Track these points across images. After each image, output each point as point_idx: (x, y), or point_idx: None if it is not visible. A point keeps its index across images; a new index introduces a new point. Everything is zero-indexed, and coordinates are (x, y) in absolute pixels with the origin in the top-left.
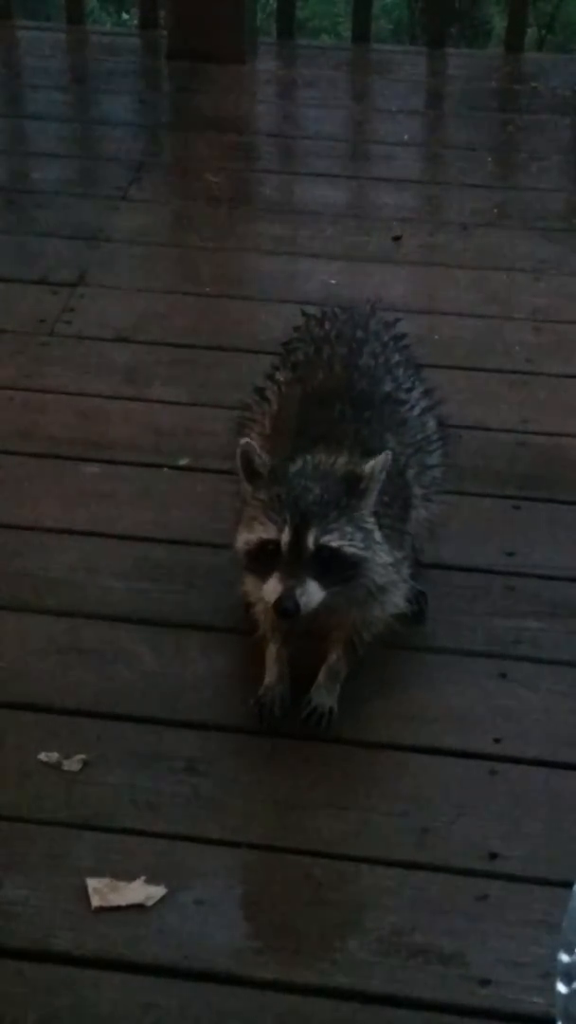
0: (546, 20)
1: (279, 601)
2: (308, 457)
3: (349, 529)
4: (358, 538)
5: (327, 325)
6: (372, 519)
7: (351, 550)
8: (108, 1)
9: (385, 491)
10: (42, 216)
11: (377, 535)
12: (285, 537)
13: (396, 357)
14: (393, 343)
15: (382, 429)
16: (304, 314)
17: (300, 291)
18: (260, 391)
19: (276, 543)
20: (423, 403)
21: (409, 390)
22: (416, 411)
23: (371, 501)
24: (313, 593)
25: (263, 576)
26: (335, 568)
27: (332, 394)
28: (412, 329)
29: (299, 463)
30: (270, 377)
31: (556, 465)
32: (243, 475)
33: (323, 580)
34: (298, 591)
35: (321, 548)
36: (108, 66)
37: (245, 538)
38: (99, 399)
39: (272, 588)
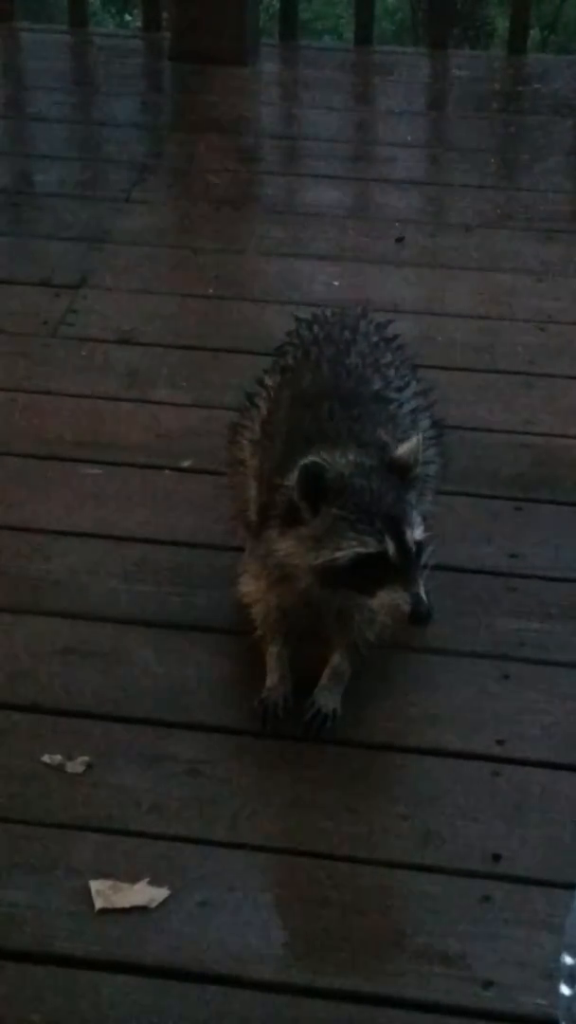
0: (548, 21)
1: (416, 610)
2: (338, 457)
3: (417, 518)
4: (421, 523)
5: (316, 329)
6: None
7: (424, 537)
8: (111, 3)
9: None
10: (45, 218)
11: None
12: (390, 547)
13: (387, 357)
14: (384, 344)
15: (373, 425)
16: (296, 319)
17: (303, 293)
18: (250, 397)
19: (380, 555)
20: (415, 403)
21: (400, 389)
22: (406, 409)
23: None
24: (427, 593)
25: (363, 591)
26: (421, 558)
27: (320, 394)
28: (415, 330)
29: (340, 466)
30: (260, 382)
31: (559, 466)
32: (300, 492)
33: (423, 573)
34: (421, 592)
35: (419, 545)
36: (111, 68)
37: (326, 556)
38: (101, 401)
39: (399, 599)
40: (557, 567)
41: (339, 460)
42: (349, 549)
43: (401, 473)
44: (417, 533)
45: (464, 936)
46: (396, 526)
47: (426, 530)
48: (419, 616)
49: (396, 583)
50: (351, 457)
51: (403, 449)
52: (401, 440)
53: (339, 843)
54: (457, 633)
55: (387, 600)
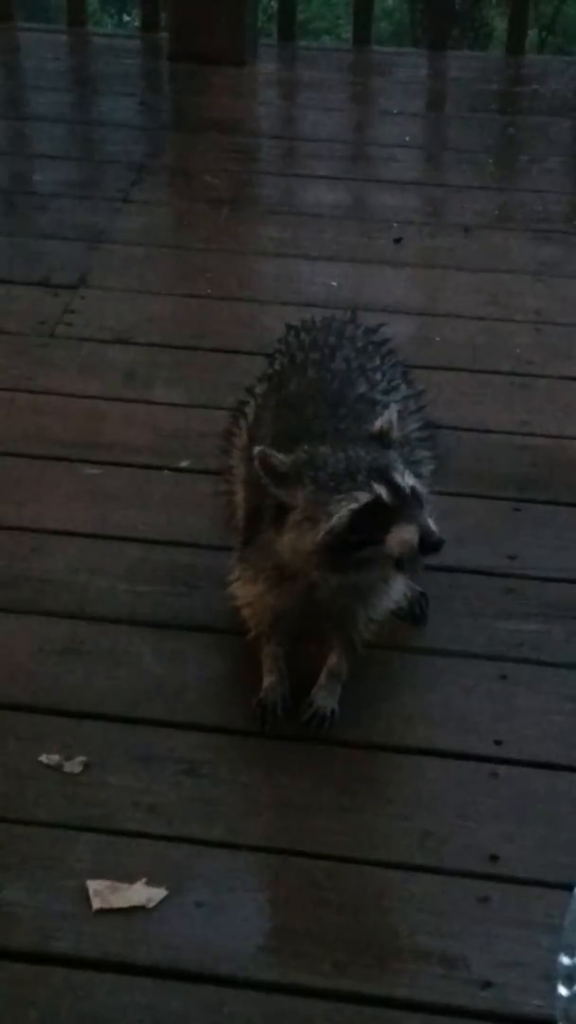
0: (547, 22)
1: (425, 540)
2: (321, 448)
3: (406, 468)
4: (412, 473)
5: (303, 335)
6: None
7: (420, 485)
8: (109, 3)
9: None
10: (43, 218)
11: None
12: (382, 492)
13: (375, 362)
14: (372, 348)
15: (358, 425)
16: (286, 326)
17: (301, 293)
18: (240, 405)
19: (375, 502)
20: (402, 405)
21: (387, 392)
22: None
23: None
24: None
25: (370, 544)
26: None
27: (305, 397)
28: (412, 331)
29: (320, 451)
30: (249, 390)
31: (557, 467)
32: (270, 482)
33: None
34: (429, 522)
35: (412, 488)
36: (109, 68)
37: (318, 531)
38: (100, 401)
39: (405, 535)
40: (555, 568)
41: (320, 449)
42: (343, 509)
43: (381, 440)
44: (408, 479)
45: (462, 937)
46: (382, 473)
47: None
48: (429, 545)
49: (400, 521)
50: (330, 447)
51: (376, 422)
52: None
53: (337, 843)
54: (455, 634)
55: (396, 539)
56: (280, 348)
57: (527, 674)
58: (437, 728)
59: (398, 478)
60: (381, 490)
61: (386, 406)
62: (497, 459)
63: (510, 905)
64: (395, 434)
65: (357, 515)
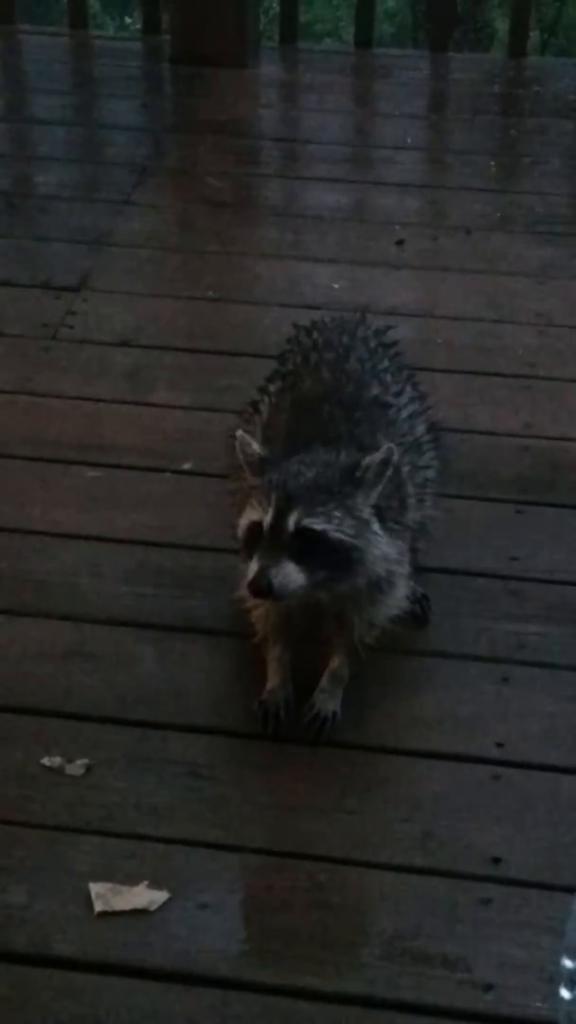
0: (549, 24)
1: (253, 580)
2: (313, 449)
3: (338, 514)
4: (347, 524)
5: (315, 334)
6: (371, 511)
7: (337, 535)
8: (111, 5)
9: (384, 487)
10: (45, 220)
11: (376, 526)
12: (267, 518)
13: (384, 363)
14: (382, 350)
15: (373, 429)
16: (296, 326)
17: (303, 295)
18: (254, 404)
19: (259, 525)
20: (412, 407)
21: (397, 394)
22: (404, 414)
23: (371, 493)
24: (290, 574)
25: (248, 558)
26: (320, 553)
27: (320, 398)
28: (414, 333)
29: (302, 454)
30: (262, 389)
31: (559, 469)
32: (244, 466)
33: (305, 564)
34: (272, 571)
35: (303, 530)
36: (111, 70)
37: (240, 524)
38: (101, 403)
39: (248, 569)
40: (557, 570)
41: (329, 453)
42: (247, 515)
43: (352, 473)
44: (314, 522)
45: (464, 939)
46: (286, 503)
47: (354, 537)
48: (255, 589)
49: (258, 554)
50: (326, 453)
51: (371, 456)
52: (400, 445)
53: (339, 845)
54: (457, 636)
55: (248, 569)
56: (292, 347)
57: (529, 676)
58: (438, 730)
59: (291, 518)
60: (267, 518)
61: (399, 410)
62: (499, 461)
63: (512, 907)
64: (374, 477)
65: (250, 529)
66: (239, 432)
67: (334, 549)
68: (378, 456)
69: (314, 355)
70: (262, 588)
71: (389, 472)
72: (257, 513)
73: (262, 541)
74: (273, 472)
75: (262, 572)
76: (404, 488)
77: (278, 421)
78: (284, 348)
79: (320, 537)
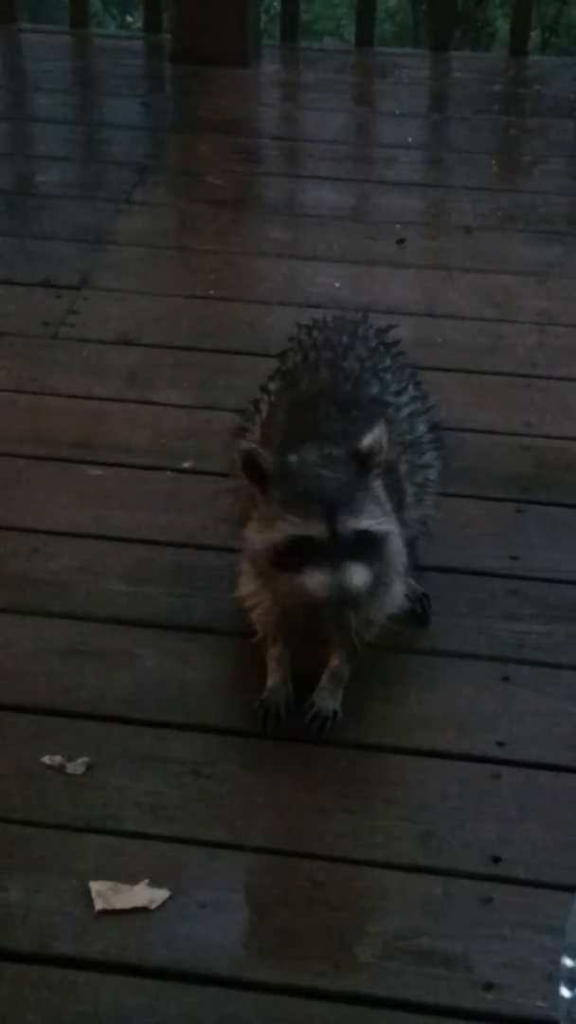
0: (550, 23)
1: (334, 590)
2: (307, 448)
3: (371, 507)
4: (377, 513)
5: (316, 333)
6: (379, 485)
7: (379, 528)
8: (112, 4)
9: (382, 482)
10: (46, 219)
11: (387, 505)
12: (318, 529)
13: (386, 363)
14: (383, 349)
15: (369, 427)
16: (298, 325)
17: (303, 294)
18: (255, 402)
19: (309, 538)
20: (412, 407)
21: (398, 394)
22: (404, 413)
23: (376, 472)
24: (361, 574)
25: (294, 572)
26: (368, 548)
27: (318, 396)
28: (415, 332)
29: (301, 455)
30: (263, 388)
31: (559, 468)
32: (249, 478)
33: (363, 561)
34: (347, 576)
35: (358, 532)
36: (112, 69)
37: (268, 538)
38: (102, 402)
39: (318, 581)
40: (558, 569)
41: (310, 454)
42: (283, 531)
43: (362, 462)
44: (363, 521)
45: (465, 938)
46: (330, 510)
47: (386, 523)
48: (340, 599)
49: (321, 564)
50: (322, 450)
51: (365, 439)
52: (399, 444)
53: (339, 844)
54: (457, 635)
55: (309, 580)
56: (292, 346)
57: (529, 675)
58: (439, 729)
59: (344, 518)
60: (319, 529)
61: (398, 408)
62: (500, 460)
63: (512, 906)
64: (380, 456)
65: (294, 542)
66: (247, 445)
67: (378, 541)
68: (375, 435)
69: (313, 354)
70: (348, 597)
71: (386, 445)
72: (296, 527)
73: (317, 553)
74: (295, 482)
75: (338, 582)
76: (402, 485)
77: (276, 419)
78: (285, 347)
79: (368, 534)
